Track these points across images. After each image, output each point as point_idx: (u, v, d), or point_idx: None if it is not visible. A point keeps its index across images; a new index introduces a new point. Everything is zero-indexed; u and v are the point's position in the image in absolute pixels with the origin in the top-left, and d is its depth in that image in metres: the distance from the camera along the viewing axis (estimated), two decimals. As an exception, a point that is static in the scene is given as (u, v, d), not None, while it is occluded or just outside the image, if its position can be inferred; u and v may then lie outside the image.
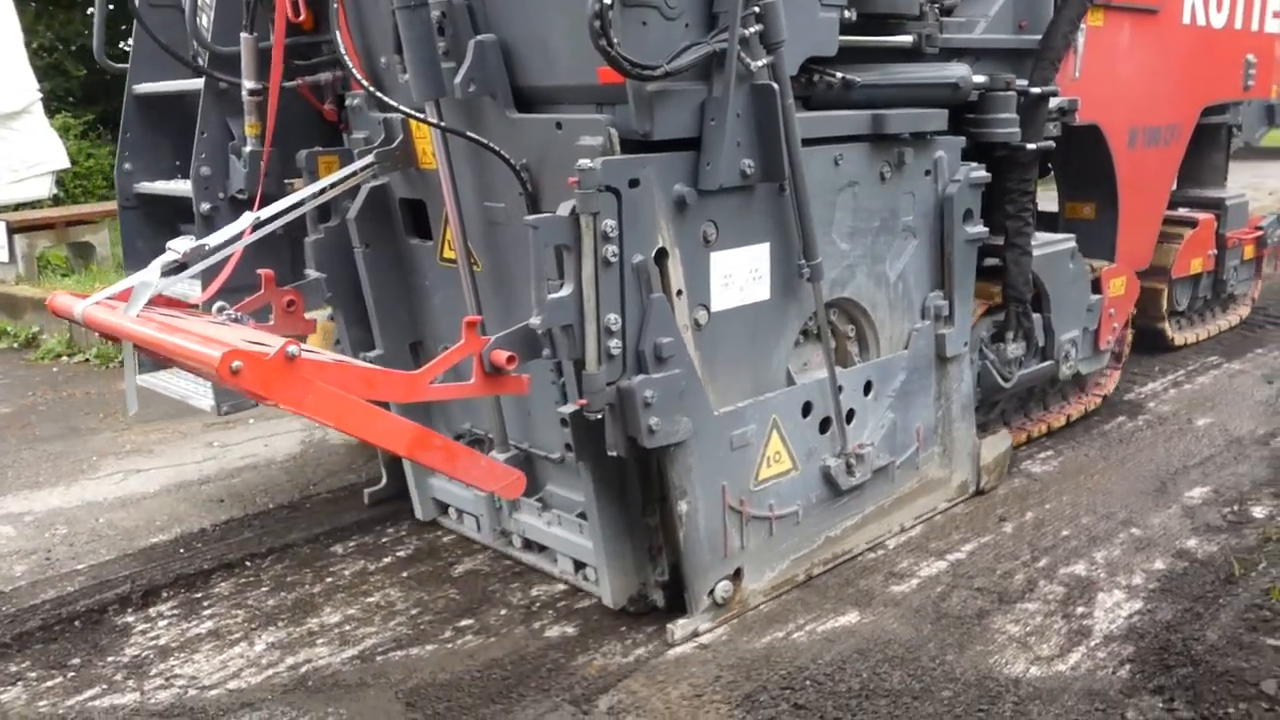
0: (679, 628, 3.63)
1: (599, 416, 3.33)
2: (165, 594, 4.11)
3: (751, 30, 3.33)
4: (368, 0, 3.92)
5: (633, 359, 3.34)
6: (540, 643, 3.65)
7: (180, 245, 3.57)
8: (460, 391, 3.19)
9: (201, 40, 4.11)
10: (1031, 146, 4.56)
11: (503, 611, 3.87)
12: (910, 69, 4.15)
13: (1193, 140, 6.10)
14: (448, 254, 4.05)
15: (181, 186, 4.59)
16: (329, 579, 4.18)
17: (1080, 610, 3.75)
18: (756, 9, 3.32)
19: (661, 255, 3.35)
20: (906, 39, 4.13)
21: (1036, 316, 5.01)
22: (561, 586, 4.01)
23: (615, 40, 3.06)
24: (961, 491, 4.64)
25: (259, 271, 3.90)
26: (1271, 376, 6.33)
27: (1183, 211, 6.60)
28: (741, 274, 3.61)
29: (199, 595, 4.11)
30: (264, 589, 4.13)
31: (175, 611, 3.99)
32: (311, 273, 4.15)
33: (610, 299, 3.25)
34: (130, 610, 4.00)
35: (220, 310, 3.65)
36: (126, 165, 4.65)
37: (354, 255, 4.18)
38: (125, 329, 3.30)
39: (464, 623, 3.81)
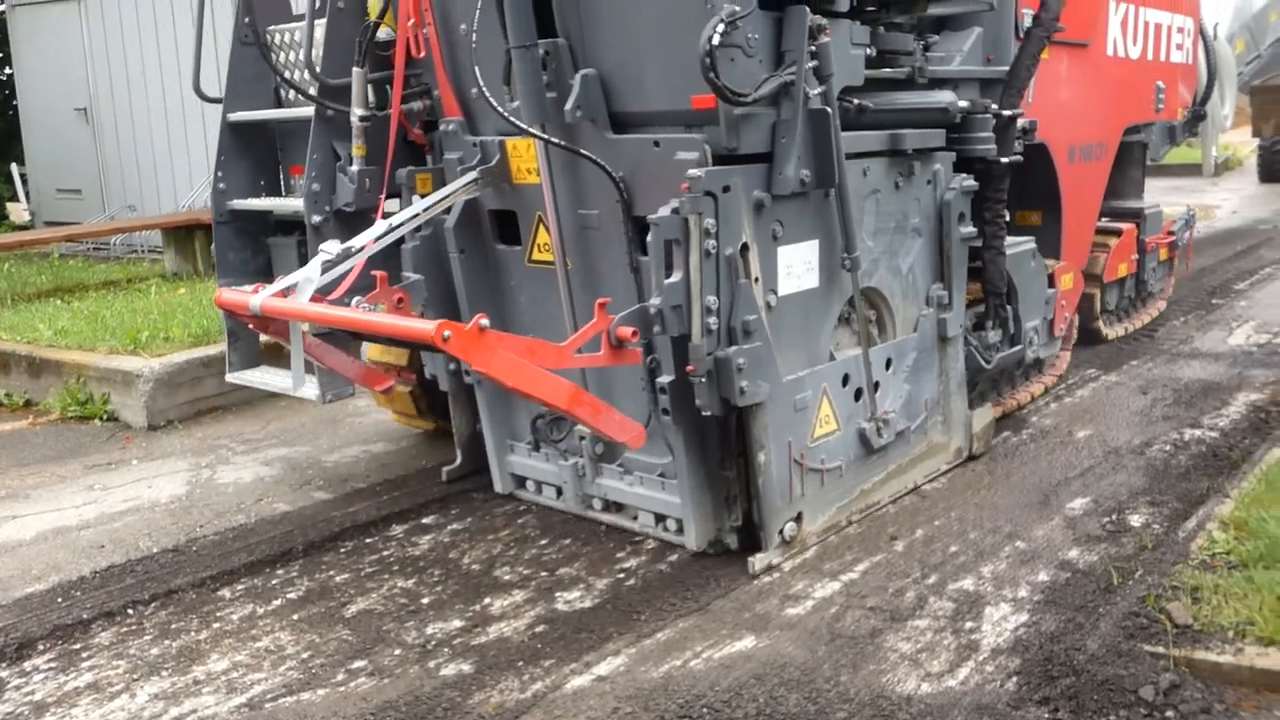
0: (757, 560, 4.33)
1: (702, 380, 4.04)
2: (41, 646, 3.93)
3: (809, 65, 4.18)
4: (460, 42, 4.66)
5: (725, 334, 4.07)
6: (435, 682, 3.59)
7: (332, 248, 4.25)
8: (593, 361, 3.89)
9: (315, 73, 4.66)
10: (1005, 160, 5.44)
11: (397, 651, 3.80)
12: (908, 96, 5.00)
13: (1115, 157, 7.10)
14: (536, 256, 4.78)
15: (268, 203, 5.26)
16: (215, 624, 4.05)
17: (969, 625, 3.82)
18: (813, 48, 4.17)
19: (744, 248, 4.12)
20: (903, 71, 4.99)
21: (1009, 308, 5.93)
22: (458, 623, 4.01)
23: (719, 74, 3.88)
24: (958, 455, 5.40)
25: (374, 273, 4.47)
26: (1146, 387, 6.53)
27: (1108, 222, 7.60)
28: (799, 265, 4.41)
29: (77, 646, 3.93)
30: (147, 637, 3.97)
31: (52, 665, 3.81)
32: (410, 275, 4.81)
33: (710, 284, 3.99)
34: (3, 664, 3.82)
35: (357, 304, 4.21)
36: (221, 185, 5.25)
37: (448, 260, 4.87)
38: (319, 314, 3.97)
39: (357, 664, 3.73)
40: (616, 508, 4.85)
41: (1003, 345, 5.97)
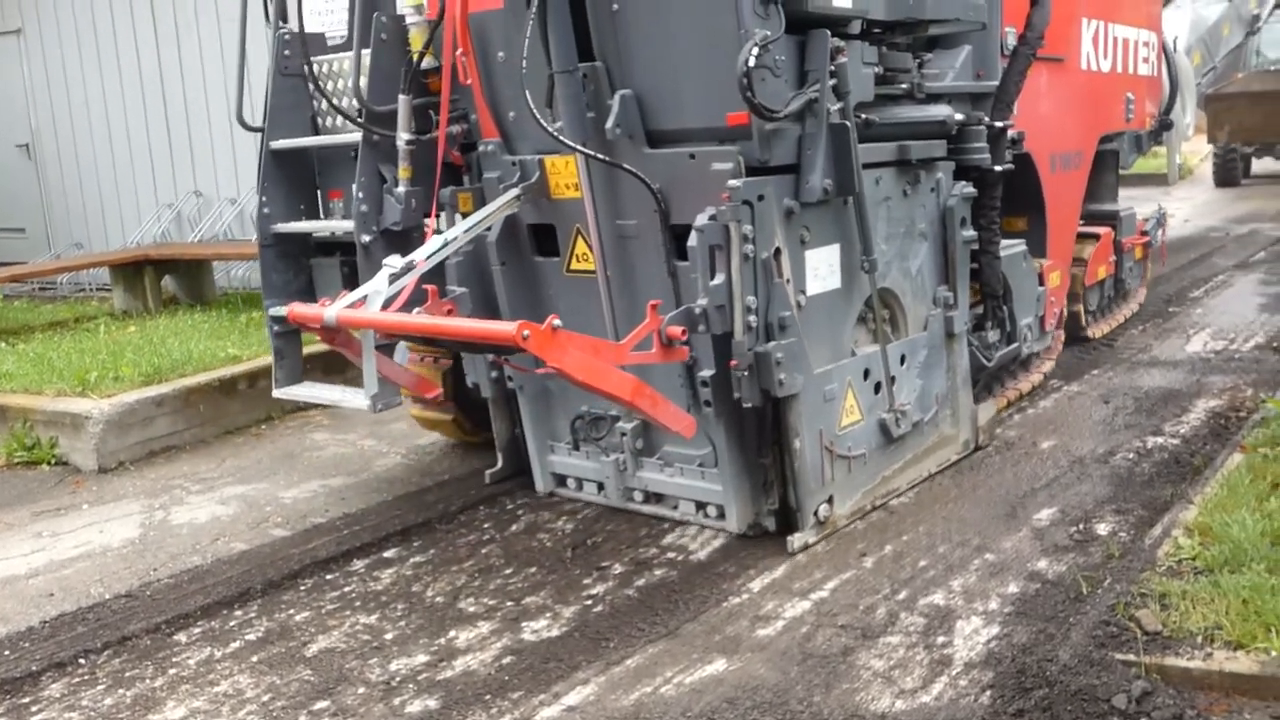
0: (795, 540, 4.64)
1: (744, 373, 4.36)
2: (-12, 702, 3.74)
3: (829, 83, 4.59)
4: (497, 69, 5.02)
5: (763, 330, 4.39)
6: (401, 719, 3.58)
7: (396, 262, 4.55)
8: (646, 358, 4.19)
9: (363, 100, 4.96)
10: (998, 168, 5.82)
11: (360, 690, 3.74)
12: (909, 110, 5.35)
13: (1091, 165, 7.60)
14: (574, 266, 5.11)
15: (311, 225, 5.57)
16: (172, 670, 3.96)
17: (941, 640, 3.80)
18: (833, 68, 4.58)
19: (777, 252, 4.45)
20: (902, 87, 5.37)
21: (1005, 308, 6.34)
22: (423, 658, 3.98)
23: (755, 93, 4.27)
24: (965, 447, 5.69)
25: (425, 287, 4.76)
26: (1107, 396, 6.61)
27: (1086, 227, 8.03)
28: (823, 267, 4.75)
29: (27, 700, 3.81)
30: (100, 687, 3.87)
31: (0, 720, 3.66)
32: (455, 288, 5.07)
33: (748, 285, 4.31)
34: (-52, 724, 3.64)
35: (417, 314, 4.55)
36: (265, 209, 5.53)
37: (490, 272, 5.16)
38: (400, 323, 4.30)
39: (319, 705, 3.66)
40: (657, 499, 5.14)
41: (1001, 344, 6.37)
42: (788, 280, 4.50)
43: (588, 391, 4.13)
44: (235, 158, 10.83)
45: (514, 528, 5.18)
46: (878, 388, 5.06)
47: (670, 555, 4.75)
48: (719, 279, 4.30)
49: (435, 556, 4.89)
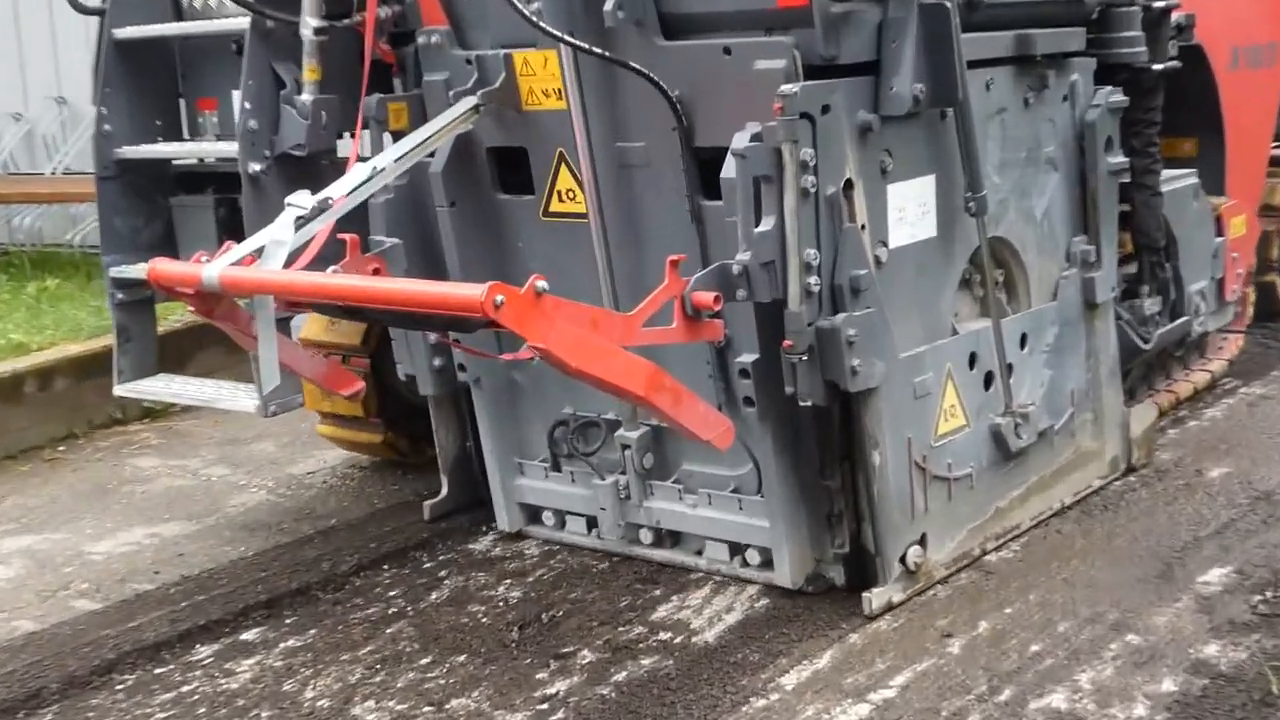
0: (874, 597, 4.74)
1: (801, 359, 4.43)
2: None
3: (921, -52, 4.68)
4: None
5: (828, 298, 4.46)
6: None
7: (302, 201, 4.61)
8: (664, 336, 4.25)
9: None
10: (1158, 67, 5.82)
11: None
12: None
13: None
14: (556, 207, 5.18)
15: (171, 149, 5.76)
16: None
17: None
18: (925, -76, 4.67)
19: (848, 186, 4.52)
20: (1019, -46, 5.33)
21: (1168, 266, 6.44)
22: None
23: None
24: (1113, 467, 5.91)
25: (341, 237, 4.78)
26: None
27: None
28: (912, 208, 4.84)
29: None
30: None
31: None
32: (384, 239, 5.20)
33: (808, 233, 4.37)
34: None
35: (333, 272, 4.57)
36: (106, 126, 5.65)
37: (432, 216, 5.30)
38: (321, 285, 4.28)
39: None
40: (672, 539, 5.30)
41: (1162, 317, 6.39)
42: (863, 226, 4.61)
43: (586, 383, 4.22)
44: (25, 53, 10.82)
45: (435, 595, 5.25)
46: (989, 380, 5.18)
47: (663, 636, 4.81)
48: (766, 224, 4.40)
49: (317, 640, 4.93)
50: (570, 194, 5.10)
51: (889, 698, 4.23)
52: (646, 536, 5.36)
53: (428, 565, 5.56)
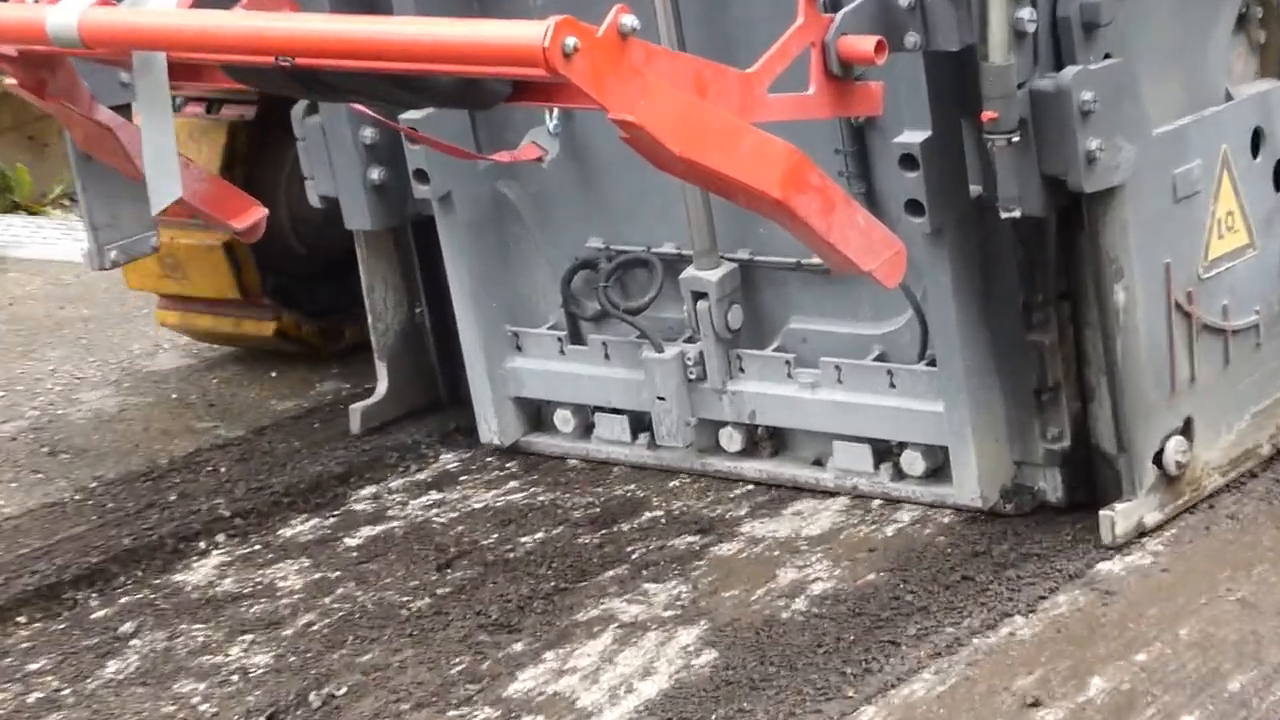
0: (1118, 517, 3.85)
1: (1011, 139, 3.64)
2: None
3: None
4: None
5: (1047, 42, 3.70)
6: None
7: None
8: (798, 107, 3.49)
9: None
10: None
11: None
12: None
13: None
14: None
15: None
16: None
17: None
18: None
19: None
20: None
21: None
22: None
23: None
24: None
25: None
26: None
27: None
28: None
29: None
30: None
31: None
32: None
33: None
34: None
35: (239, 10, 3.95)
36: None
37: None
38: (244, 32, 3.56)
39: None
40: (774, 445, 4.48)
41: None
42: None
43: (691, 180, 3.71)
44: None
45: (368, 571, 4.38)
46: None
47: (770, 604, 3.99)
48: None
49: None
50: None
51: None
52: (733, 439, 4.49)
53: (358, 508, 4.73)
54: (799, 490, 4.48)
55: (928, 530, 4.20)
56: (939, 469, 4.25)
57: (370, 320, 5.12)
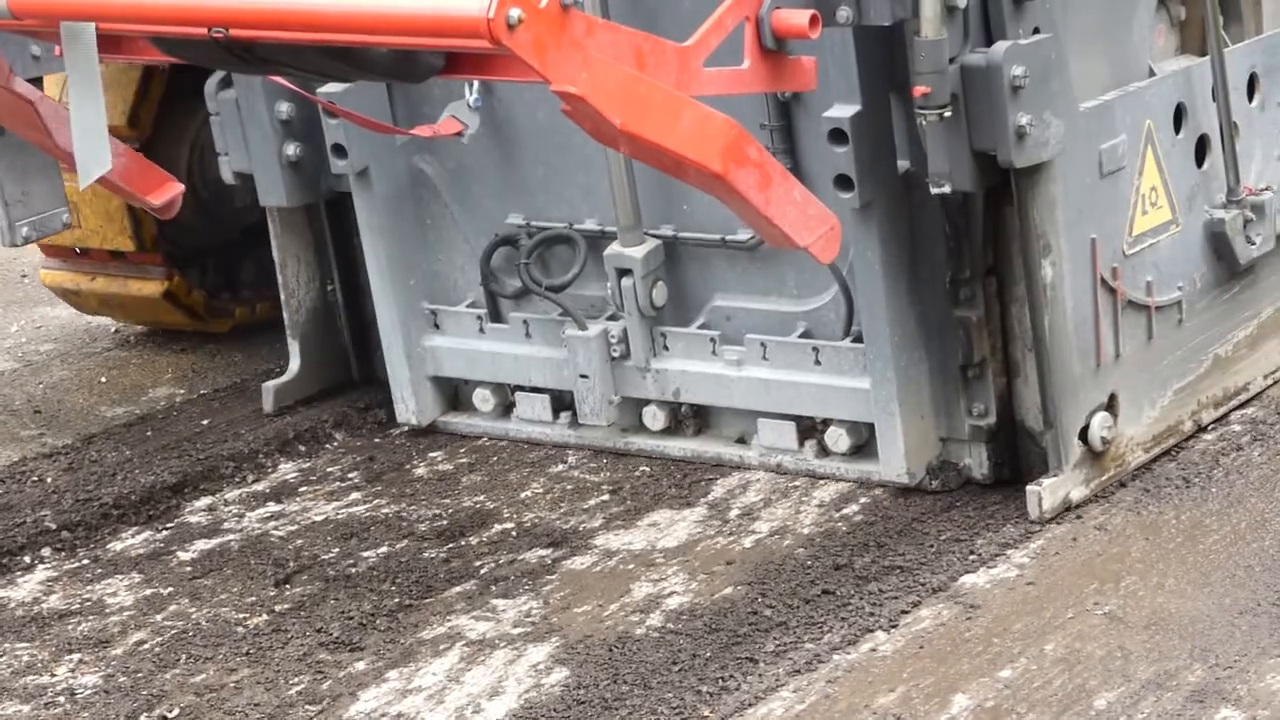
0: (1044, 492, 3.95)
1: (942, 114, 3.70)
2: None
3: None
4: None
5: (978, 18, 3.79)
6: None
7: None
8: (732, 81, 3.55)
9: None
10: None
11: None
12: None
13: None
14: None
15: None
16: None
17: None
18: None
19: None
20: None
21: None
22: None
23: None
24: None
25: None
26: None
27: None
28: None
29: None
30: None
31: None
32: None
33: None
34: None
35: None
36: None
37: None
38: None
39: None
40: (698, 423, 4.55)
41: None
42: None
43: (632, 153, 3.68)
44: None
45: (280, 560, 4.34)
46: (1203, 150, 4.42)
47: (674, 600, 3.98)
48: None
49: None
50: None
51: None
52: (657, 418, 4.56)
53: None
54: (723, 468, 4.50)
55: (859, 506, 4.22)
56: (863, 445, 4.34)
57: (283, 297, 5.13)
